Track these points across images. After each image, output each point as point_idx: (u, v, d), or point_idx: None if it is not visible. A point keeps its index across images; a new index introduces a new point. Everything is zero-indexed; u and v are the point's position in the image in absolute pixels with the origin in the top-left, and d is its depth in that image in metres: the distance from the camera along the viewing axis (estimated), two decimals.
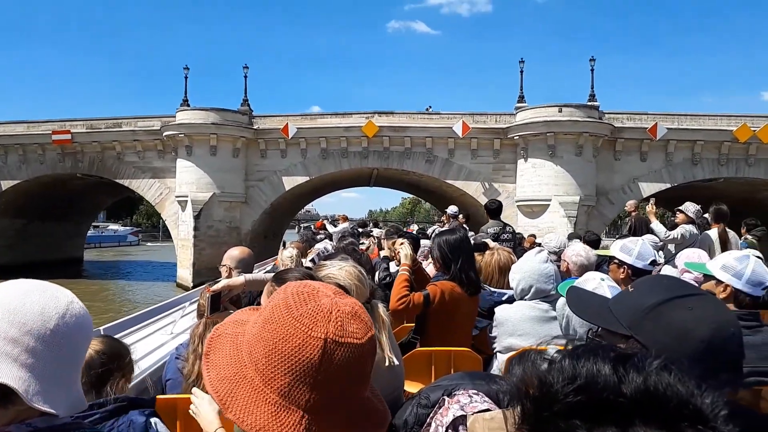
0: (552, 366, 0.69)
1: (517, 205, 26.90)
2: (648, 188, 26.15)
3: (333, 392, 0.98)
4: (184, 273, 28.59)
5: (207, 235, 27.89)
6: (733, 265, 2.77)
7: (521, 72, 28.24)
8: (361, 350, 0.99)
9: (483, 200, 26.76)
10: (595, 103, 26.62)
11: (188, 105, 29.02)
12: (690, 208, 7.15)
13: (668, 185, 26.49)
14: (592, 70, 27.37)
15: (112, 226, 79.22)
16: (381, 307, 2.55)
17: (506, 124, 27.03)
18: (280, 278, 2.49)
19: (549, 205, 25.50)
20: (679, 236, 6.90)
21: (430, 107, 30.14)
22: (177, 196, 28.61)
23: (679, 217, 7.25)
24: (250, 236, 29.49)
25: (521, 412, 0.70)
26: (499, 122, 27.42)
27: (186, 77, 30.00)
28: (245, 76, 30.05)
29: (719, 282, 2.77)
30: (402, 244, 4.36)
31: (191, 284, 27.68)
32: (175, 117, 28.59)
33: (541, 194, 25.78)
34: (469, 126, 26.86)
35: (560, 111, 25.53)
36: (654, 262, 3.88)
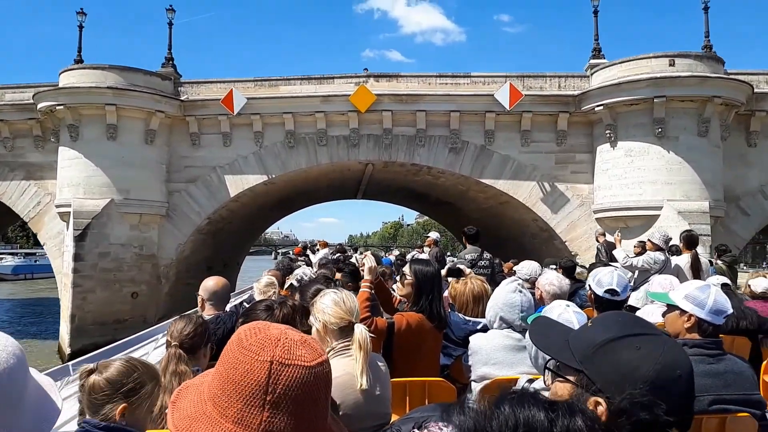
0: (491, 414, 0.82)
1: (598, 217, 16.89)
2: None
3: (284, 415, 0.98)
4: (63, 329, 17.87)
5: (99, 268, 17.25)
6: (695, 295, 2.84)
7: (595, 13, 18.45)
8: (310, 373, 1.01)
9: (541, 211, 16.83)
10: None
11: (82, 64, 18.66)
12: (656, 235, 7.24)
13: None
14: (706, 8, 17.67)
15: None
16: (360, 331, 2.57)
17: (577, 90, 17.20)
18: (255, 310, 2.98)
19: (658, 216, 15.52)
20: (640, 263, 7.01)
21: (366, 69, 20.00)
22: (57, 206, 18.02)
23: (648, 244, 7.38)
24: (176, 268, 19.00)
25: None
26: (564, 87, 17.55)
27: (80, 26, 19.65)
28: (170, 24, 19.79)
29: (683, 312, 2.84)
30: (365, 255, 4.47)
31: (68, 349, 17.06)
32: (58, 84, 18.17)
33: (643, 198, 15.81)
34: (520, 92, 16.95)
35: (672, 64, 15.74)
36: (613, 292, 3.67)
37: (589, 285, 3.85)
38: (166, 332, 3.84)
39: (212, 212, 18.72)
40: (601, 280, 3.68)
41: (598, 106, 16.35)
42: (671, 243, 8.32)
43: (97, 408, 2.06)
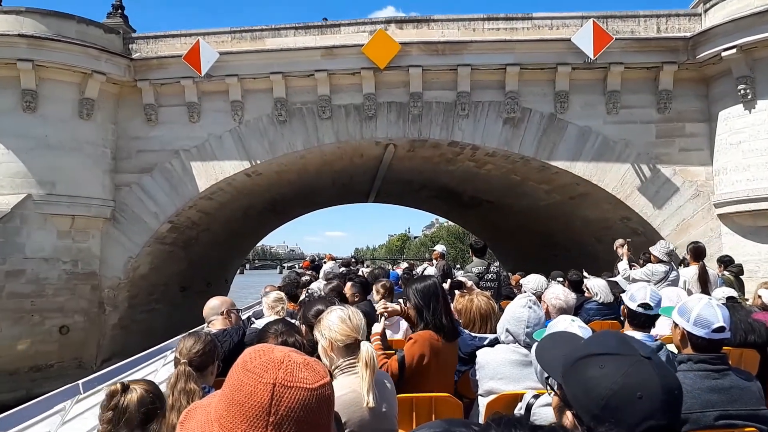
0: None
1: (721, 213, 11.70)
2: None
3: None
4: None
5: (7, 293, 12.03)
6: (683, 308, 2.88)
7: None
8: (312, 395, 1.02)
9: (639, 205, 11.67)
10: None
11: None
12: (657, 248, 7.07)
13: None
14: None
15: None
16: (366, 349, 2.60)
17: (685, 32, 12.07)
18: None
19: None
20: (639, 275, 6.91)
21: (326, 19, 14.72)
22: None
23: (652, 257, 7.27)
24: (128, 291, 13.89)
25: None
26: (666, 29, 12.39)
27: None
28: None
29: (677, 325, 2.90)
30: (380, 313, 4.11)
31: None
32: None
33: None
34: (609, 34, 11.83)
35: None
36: (646, 306, 3.65)
37: (622, 299, 3.89)
38: (173, 349, 3.93)
39: (174, 213, 13.55)
40: (635, 295, 3.66)
41: (726, 49, 11.18)
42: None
43: (145, 422, 2.08)
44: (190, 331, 3.31)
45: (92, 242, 13.30)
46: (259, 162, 13.37)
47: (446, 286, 5.79)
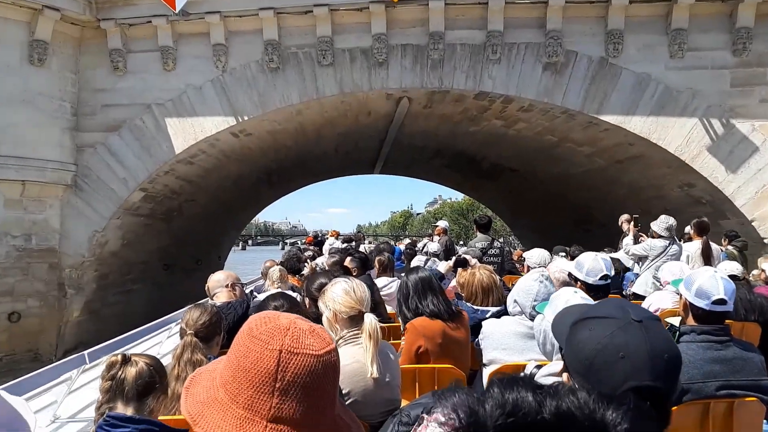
0: (483, 397, 0.81)
1: None
2: None
3: (293, 402, 1.00)
4: None
5: None
6: (687, 279, 2.97)
7: None
8: (318, 361, 1.02)
9: (708, 168, 9.43)
10: None
11: None
12: (657, 223, 6.95)
13: None
14: None
15: None
16: (370, 321, 2.60)
17: None
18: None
19: None
20: (640, 251, 6.99)
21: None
22: None
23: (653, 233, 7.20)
24: (96, 270, 11.90)
25: None
26: None
27: None
28: None
29: (681, 295, 3.02)
30: None
31: None
32: None
33: None
34: None
35: None
36: (605, 277, 4.02)
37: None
38: (178, 321, 4.19)
39: (147, 179, 11.40)
40: (591, 270, 3.94)
41: None
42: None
43: (142, 395, 2.08)
44: (196, 303, 3.38)
45: (50, 213, 11.19)
46: (246, 118, 11.15)
47: (450, 263, 6.22)
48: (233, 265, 21.88)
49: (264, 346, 1.01)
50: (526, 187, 17.38)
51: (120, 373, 2.09)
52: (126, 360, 2.13)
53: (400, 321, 3.87)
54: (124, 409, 2.03)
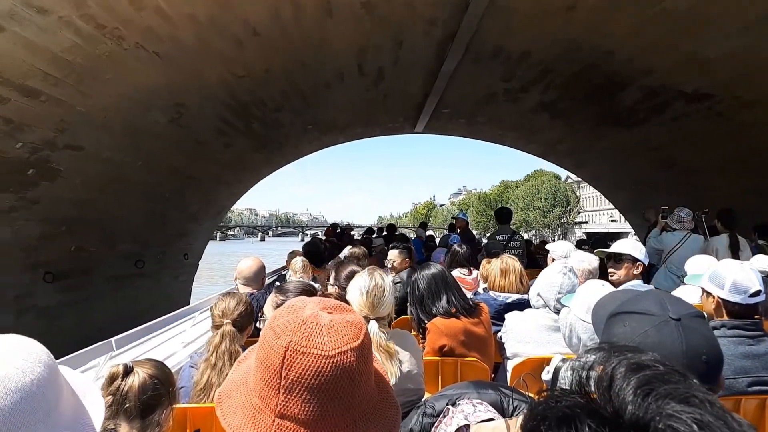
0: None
1: None
2: None
3: (298, 402, 0.96)
4: None
5: None
6: (716, 275, 2.82)
7: None
8: (326, 363, 0.96)
9: None
10: None
11: None
12: (673, 216, 6.80)
13: None
14: None
15: None
16: (373, 332, 2.44)
17: None
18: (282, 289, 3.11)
19: None
20: (655, 244, 6.86)
21: None
22: None
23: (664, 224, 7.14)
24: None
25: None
26: None
27: None
28: None
29: (708, 294, 2.85)
30: None
31: None
32: None
33: None
34: None
35: None
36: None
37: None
38: (202, 309, 4.71)
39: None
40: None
41: None
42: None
43: (146, 412, 1.98)
44: (227, 291, 3.49)
45: None
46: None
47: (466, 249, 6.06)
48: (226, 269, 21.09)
49: (275, 339, 0.98)
50: (716, 132, 8.82)
51: (123, 386, 1.98)
52: (128, 371, 2.02)
53: (413, 324, 3.68)
54: (128, 429, 1.93)
